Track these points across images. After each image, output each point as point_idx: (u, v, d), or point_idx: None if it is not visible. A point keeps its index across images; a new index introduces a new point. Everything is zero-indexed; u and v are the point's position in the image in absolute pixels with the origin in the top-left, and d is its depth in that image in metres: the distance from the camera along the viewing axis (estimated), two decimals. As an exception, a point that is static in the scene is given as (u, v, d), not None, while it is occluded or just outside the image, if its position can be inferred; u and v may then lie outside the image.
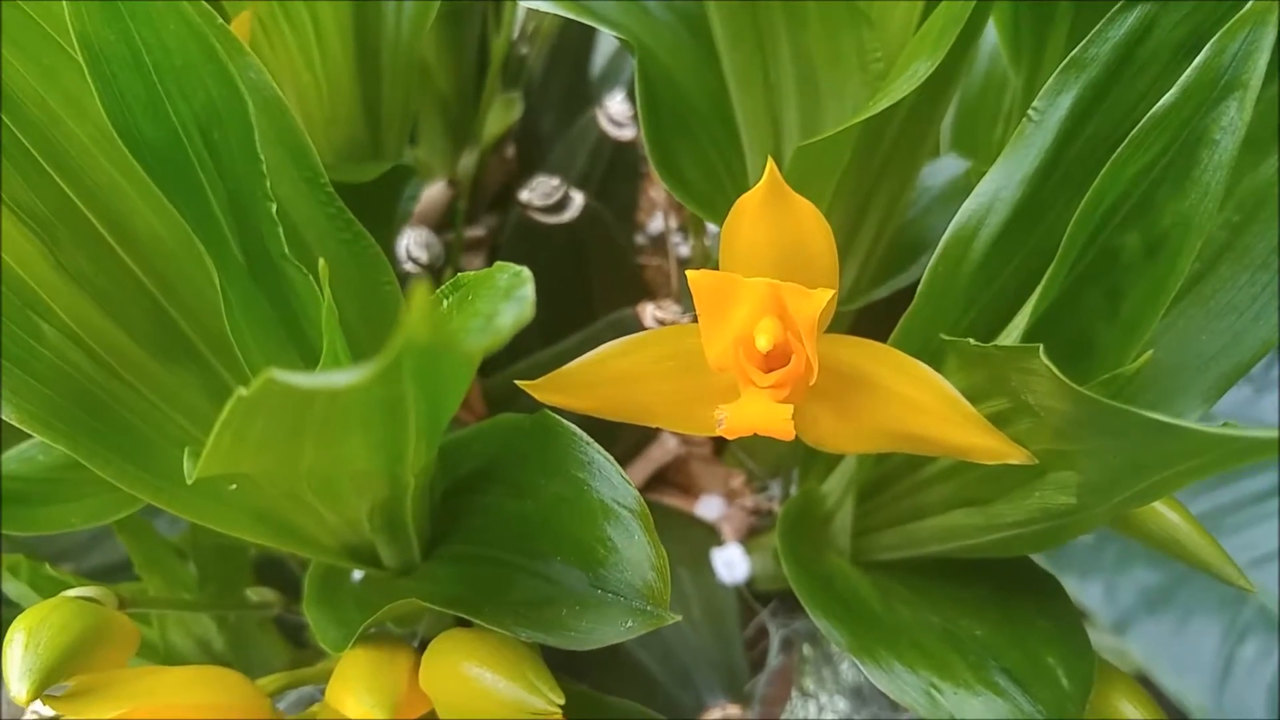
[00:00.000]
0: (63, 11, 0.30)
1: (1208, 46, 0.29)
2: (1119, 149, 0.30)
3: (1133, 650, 0.79)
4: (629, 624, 0.29)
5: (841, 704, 0.54)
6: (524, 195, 0.55)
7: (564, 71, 0.66)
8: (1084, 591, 0.81)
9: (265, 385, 0.19)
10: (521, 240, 0.56)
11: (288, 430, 0.23)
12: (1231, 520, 0.80)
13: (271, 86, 0.33)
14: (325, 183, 0.34)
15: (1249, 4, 0.29)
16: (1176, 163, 0.30)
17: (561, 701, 0.28)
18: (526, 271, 0.25)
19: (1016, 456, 0.30)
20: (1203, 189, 0.30)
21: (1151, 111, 0.30)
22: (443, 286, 0.30)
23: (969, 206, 0.34)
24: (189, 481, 0.25)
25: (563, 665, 0.33)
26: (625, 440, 0.56)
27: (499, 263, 0.27)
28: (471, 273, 0.29)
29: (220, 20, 0.32)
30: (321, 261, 0.27)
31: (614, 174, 0.60)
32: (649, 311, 0.52)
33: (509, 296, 0.25)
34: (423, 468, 0.30)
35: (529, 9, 0.57)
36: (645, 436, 0.56)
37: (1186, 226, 0.30)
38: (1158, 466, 0.27)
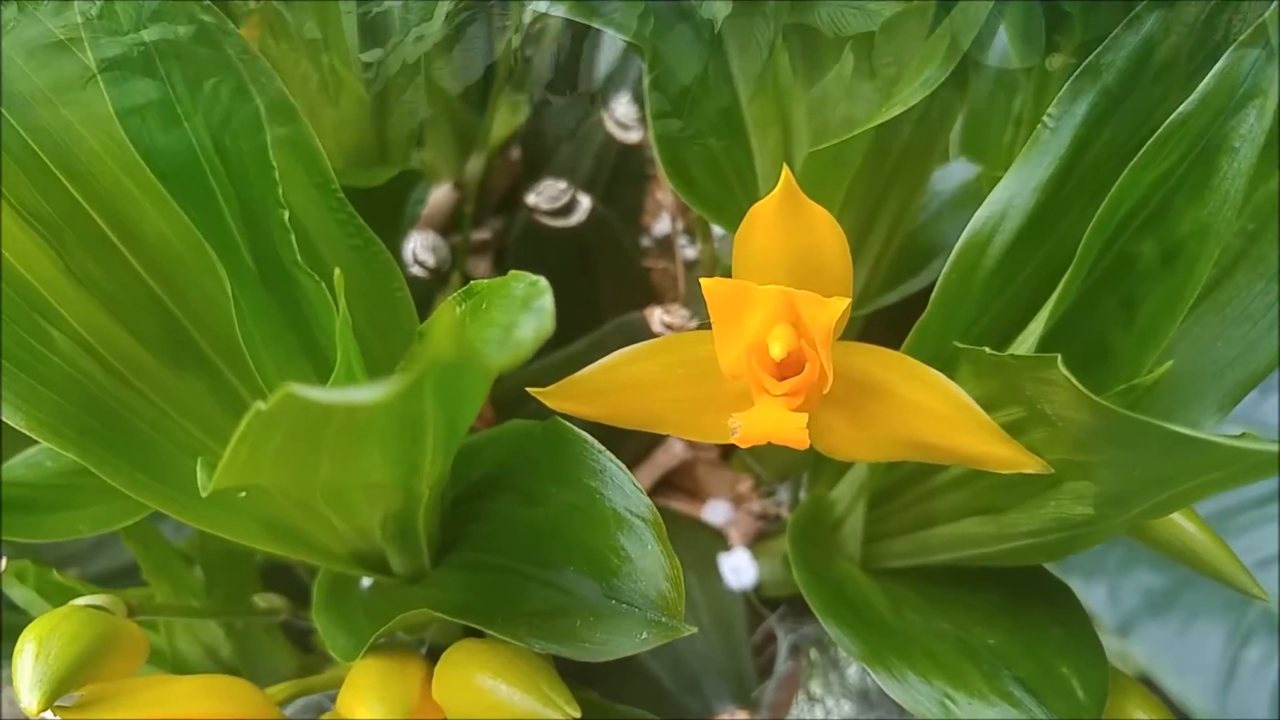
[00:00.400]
0: (75, 17, 0.30)
1: (1227, 53, 0.29)
2: (1137, 155, 0.30)
3: (1136, 652, 0.79)
4: (644, 636, 0.29)
5: (848, 708, 0.54)
6: (531, 199, 0.54)
7: (569, 74, 0.66)
8: (1088, 593, 0.81)
9: (284, 400, 0.19)
10: (527, 243, 0.56)
11: (305, 444, 0.23)
12: (1234, 523, 0.81)
13: (283, 92, 0.33)
14: (336, 188, 0.34)
15: (1269, 9, 0.29)
16: (1195, 170, 0.30)
17: (578, 715, 0.28)
18: (544, 281, 0.25)
19: (1032, 465, 0.30)
20: (1222, 196, 0.30)
21: (1170, 118, 0.29)
22: (455, 293, 0.30)
23: (983, 213, 0.34)
24: (203, 494, 0.25)
25: (570, 671, 0.32)
26: (632, 444, 0.55)
27: (514, 271, 0.27)
28: (485, 280, 0.29)
29: (232, 25, 0.32)
30: (337, 272, 0.26)
31: (620, 177, 0.60)
32: (656, 315, 0.52)
33: (527, 307, 0.24)
34: (437, 479, 0.30)
35: (535, 11, 0.57)
36: (652, 441, 0.56)
37: (1205, 234, 0.30)
38: (1179, 479, 0.27)
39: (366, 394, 0.19)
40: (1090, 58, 0.32)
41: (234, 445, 0.21)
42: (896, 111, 0.34)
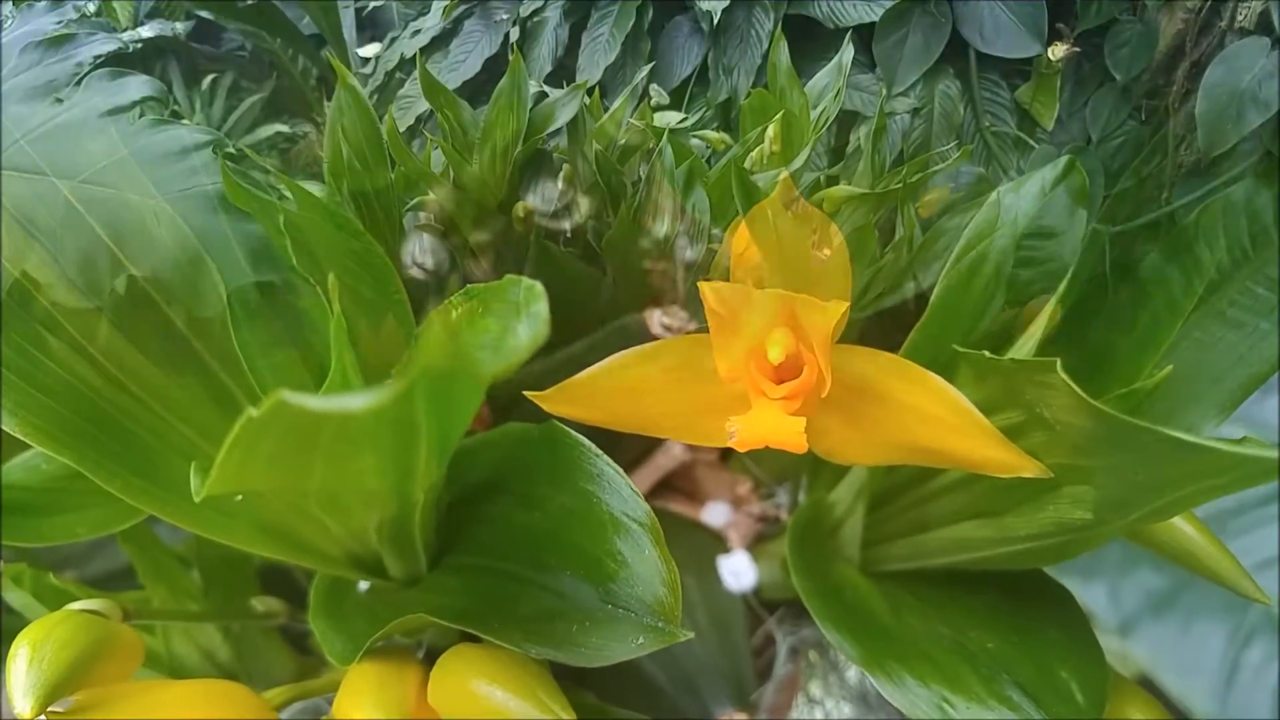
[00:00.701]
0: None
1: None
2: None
3: (1137, 653, 0.79)
4: (640, 641, 0.29)
5: (847, 709, 0.54)
6: (530, 200, 0.54)
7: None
8: (1088, 593, 0.81)
9: (275, 407, 0.19)
10: (527, 246, 0.56)
11: (297, 451, 0.23)
12: (1234, 524, 0.80)
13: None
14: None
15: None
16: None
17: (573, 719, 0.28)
18: (539, 286, 0.25)
19: (1030, 470, 0.30)
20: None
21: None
22: (453, 296, 0.30)
23: (984, 216, 0.33)
24: (196, 500, 0.25)
25: (567, 673, 0.32)
26: (631, 446, 0.55)
27: (510, 276, 0.27)
28: (483, 284, 0.29)
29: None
30: (331, 278, 0.26)
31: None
32: (656, 317, 0.51)
33: (522, 313, 0.24)
34: (432, 484, 0.30)
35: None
36: (651, 442, 0.55)
37: (1207, 237, 0.30)
38: (1179, 484, 0.27)
39: (358, 402, 0.18)
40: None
41: (226, 452, 0.21)
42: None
